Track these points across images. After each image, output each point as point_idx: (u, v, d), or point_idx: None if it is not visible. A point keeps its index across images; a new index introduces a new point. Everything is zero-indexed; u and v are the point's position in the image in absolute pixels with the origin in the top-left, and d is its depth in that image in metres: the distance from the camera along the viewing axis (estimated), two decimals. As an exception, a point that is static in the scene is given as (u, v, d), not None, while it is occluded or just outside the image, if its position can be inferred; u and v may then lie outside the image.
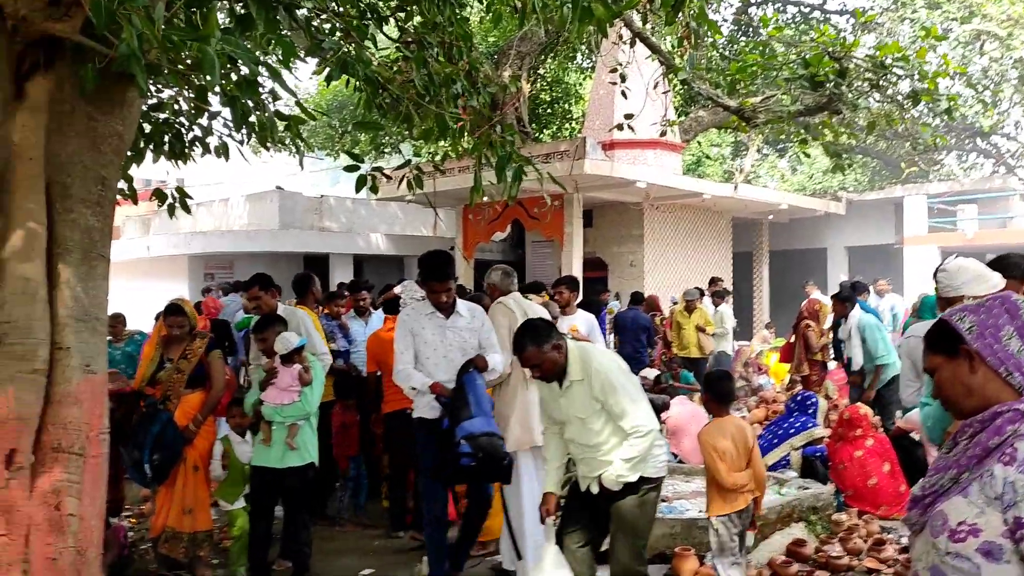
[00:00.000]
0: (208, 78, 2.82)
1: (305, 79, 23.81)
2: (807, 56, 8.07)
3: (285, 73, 3.42)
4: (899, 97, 7.95)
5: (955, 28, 15.08)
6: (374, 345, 6.32)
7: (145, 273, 17.50)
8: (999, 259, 3.33)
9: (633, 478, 3.74)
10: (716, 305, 11.58)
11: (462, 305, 4.88)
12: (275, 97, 4.72)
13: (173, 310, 5.24)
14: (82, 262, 3.23)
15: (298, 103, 3.95)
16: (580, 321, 7.05)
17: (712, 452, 4.46)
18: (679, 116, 17.34)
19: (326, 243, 17.34)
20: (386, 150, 21.00)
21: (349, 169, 4.60)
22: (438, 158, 9.84)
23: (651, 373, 9.47)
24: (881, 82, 7.61)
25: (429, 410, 4.71)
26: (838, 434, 6.37)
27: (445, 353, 4.72)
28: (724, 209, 17.95)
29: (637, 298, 11.31)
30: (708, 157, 24.84)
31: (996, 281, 3.32)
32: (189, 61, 3.05)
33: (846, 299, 8.26)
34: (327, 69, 4.10)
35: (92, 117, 3.32)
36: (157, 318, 8.07)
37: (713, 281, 12.69)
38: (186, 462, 5.02)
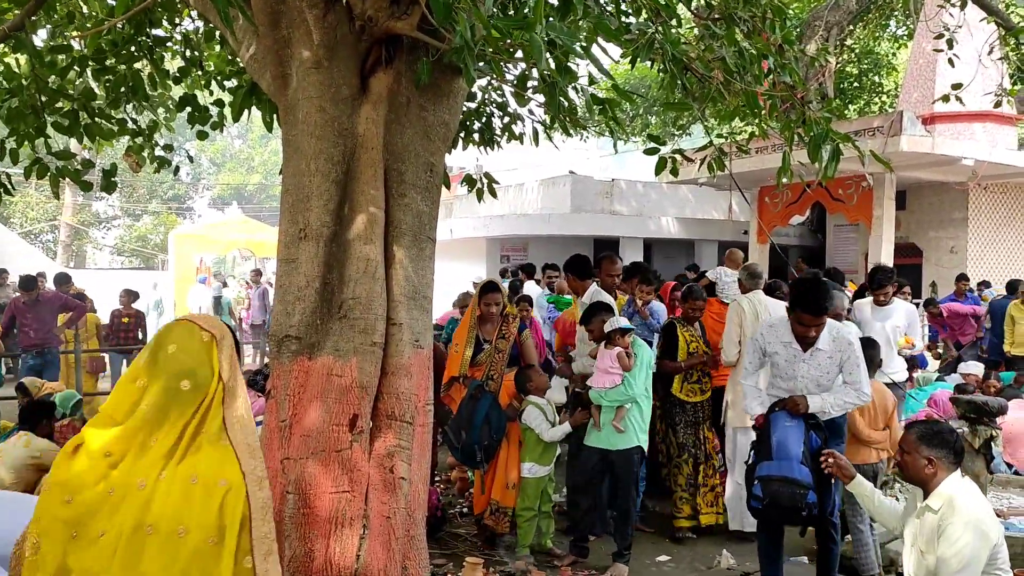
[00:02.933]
0: (534, 64, 2.88)
1: (608, 62, 24.10)
2: None
3: (601, 56, 3.42)
4: None
5: None
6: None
7: (447, 255, 18.79)
8: None
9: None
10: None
11: (825, 337, 4.38)
12: (591, 81, 4.77)
13: (490, 287, 5.46)
14: (413, 244, 3.47)
15: (615, 86, 3.95)
16: (900, 313, 6.46)
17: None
18: (1015, 84, 15.29)
19: (616, 226, 17.49)
20: (676, 132, 20.73)
21: (649, 152, 4.52)
22: (740, 138, 9.50)
23: (978, 367, 8.45)
24: None
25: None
26: None
27: (792, 387, 4.42)
28: (1071, 188, 15.60)
29: (1013, 286, 10.21)
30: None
31: None
32: (512, 49, 3.15)
33: None
34: (634, 51, 4.06)
35: (424, 108, 3.54)
36: (457, 301, 8.55)
37: None
38: (508, 439, 5.23)
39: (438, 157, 3.65)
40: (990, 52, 9.73)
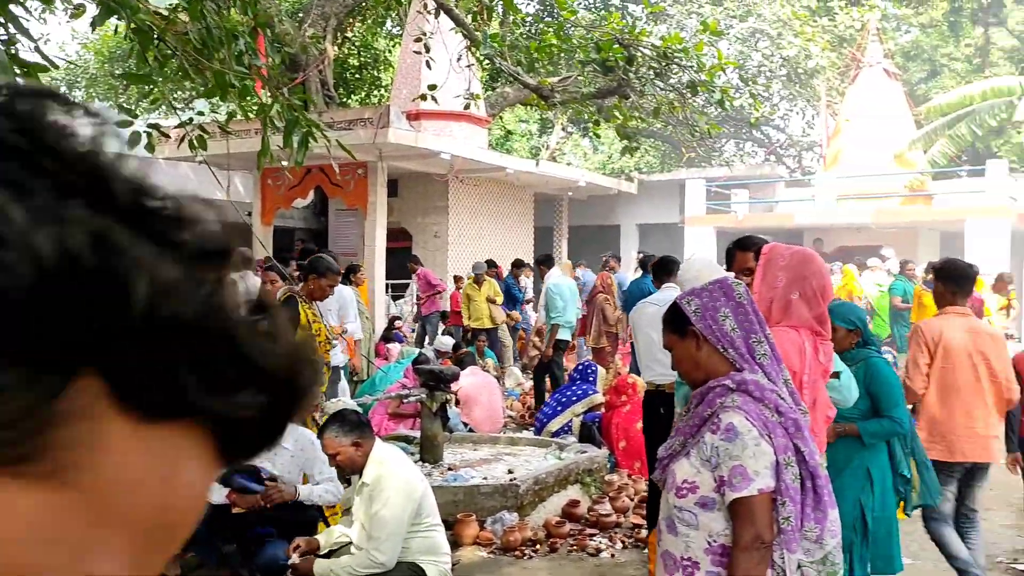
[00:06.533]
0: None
1: (83, 23, 21.91)
2: (600, 41, 8.42)
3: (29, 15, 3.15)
4: (680, 86, 8.48)
5: (735, 25, 16.26)
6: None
7: None
8: (742, 239, 3.69)
9: None
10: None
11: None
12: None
13: None
14: None
15: (37, 48, 3.62)
16: (332, 299, 6.69)
17: None
18: (485, 91, 17.56)
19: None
20: (177, 106, 19.77)
21: (122, 124, 4.31)
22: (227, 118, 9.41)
23: (448, 341, 9.62)
24: (664, 71, 8.08)
25: None
26: (609, 401, 6.79)
27: None
28: (526, 184, 18.42)
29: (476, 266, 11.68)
30: (508, 132, 25.36)
31: (721, 272, 3.77)
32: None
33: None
34: (92, 13, 3.82)
35: None
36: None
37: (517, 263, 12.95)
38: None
39: None
40: (459, 59, 11.06)
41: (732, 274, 3.45)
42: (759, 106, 12.39)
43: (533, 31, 15.06)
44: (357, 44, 21.42)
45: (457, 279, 12.86)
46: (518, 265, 10.29)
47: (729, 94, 8.63)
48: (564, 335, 9.01)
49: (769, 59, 16.66)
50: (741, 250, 3.57)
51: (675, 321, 2.11)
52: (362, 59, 22.05)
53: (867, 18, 18.82)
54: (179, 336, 0.32)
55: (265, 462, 4.42)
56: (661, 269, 5.54)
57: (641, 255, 10.82)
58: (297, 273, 8.16)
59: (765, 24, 15.18)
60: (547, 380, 8.67)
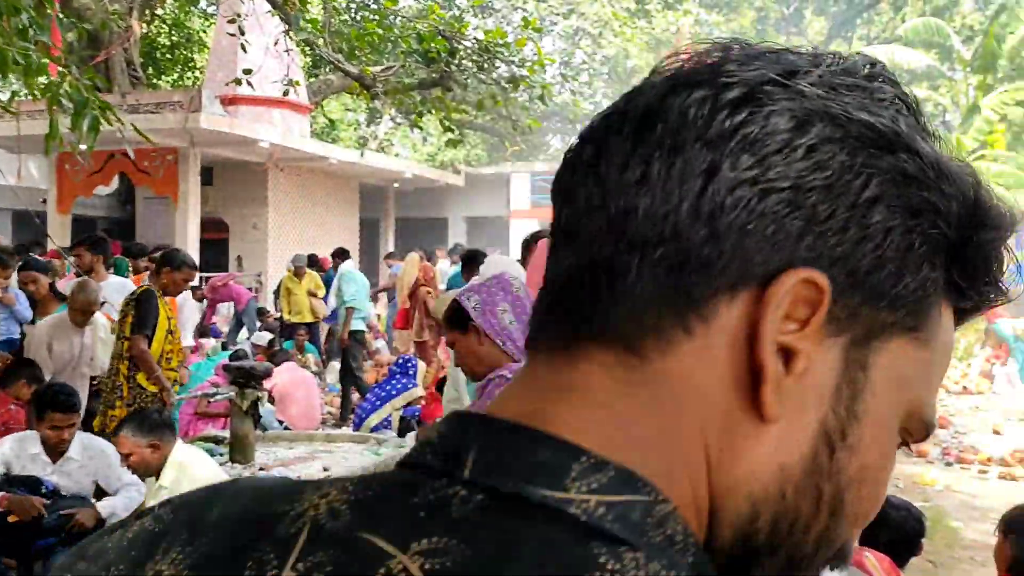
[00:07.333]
0: None
1: None
2: (422, 32, 8.37)
3: None
4: (502, 81, 8.57)
5: (559, 22, 16.67)
6: None
7: None
8: (538, 232, 3.77)
9: None
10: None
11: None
12: None
13: None
14: None
15: None
16: (112, 290, 6.34)
17: None
18: (308, 77, 17.06)
19: None
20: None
21: None
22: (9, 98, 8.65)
23: (265, 337, 9.26)
24: (485, 65, 8.14)
25: None
26: (430, 395, 6.77)
27: None
28: (351, 175, 18.06)
29: (301, 259, 11.24)
30: (331, 122, 24.82)
31: (519, 270, 3.84)
32: None
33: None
34: None
35: None
36: None
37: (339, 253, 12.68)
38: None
39: None
40: (276, 43, 10.64)
41: (521, 268, 3.51)
42: (578, 103, 12.78)
43: (357, 18, 14.77)
44: (168, 22, 20.20)
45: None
46: (340, 255, 10.13)
47: (550, 90, 8.81)
48: (359, 325, 8.94)
49: (592, 57, 17.19)
50: (537, 242, 3.63)
51: (456, 317, 2.13)
52: (174, 38, 20.83)
53: (682, 22, 19.81)
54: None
55: (52, 475, 4.08)
56: (469, 262, 5.57)
57: (460, 248, 10.89)
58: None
59: (587, 23, 15.65)
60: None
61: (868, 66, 0.46)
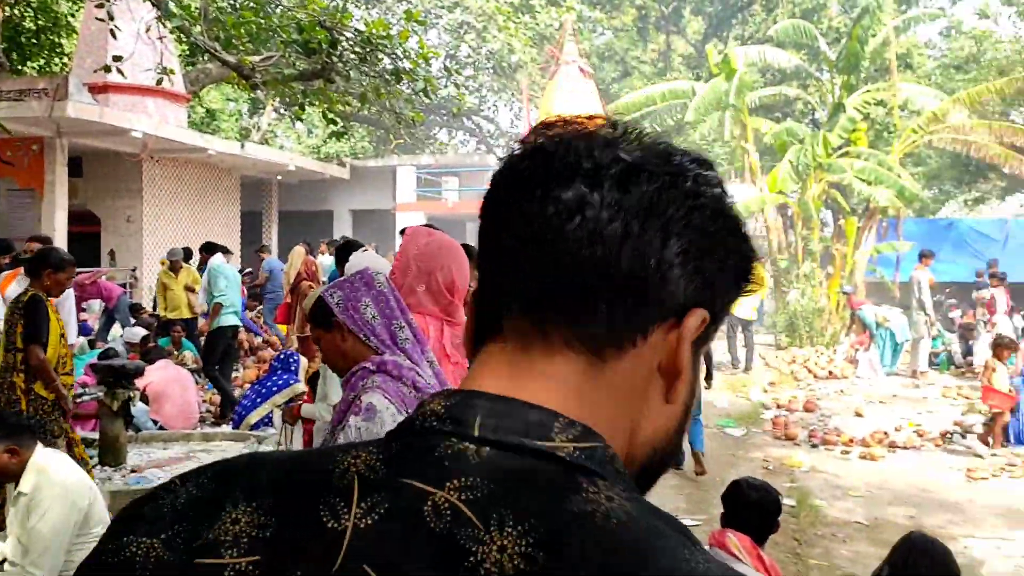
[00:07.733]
0: None
1: None
2: (302, 22, 8.20)
3: None
4: (385, 73, 8.50)
5: (444, 15, 16.65)
6: None
7: None
8: (415, 226, 3.80)
9: None
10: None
11: None
12: None
13: None
14: None
15: None
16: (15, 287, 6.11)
17: None
18: (185, 66, 16.44)
19: None
20: None
21: None
22: None
23: (138, 334, 8.92)
24: (368, 57, 8.05)
25: None
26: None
27: None
28: (232, 167, 17.53)
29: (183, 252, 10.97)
30: (210, 112, 24.03)
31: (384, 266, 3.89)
32: None
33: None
34: None
35: None
36: None
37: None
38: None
39: None
40: (148, 30, 10.22)
41: (386, 263, 3.53)
42: (462, 97, 12.83)
43: (235, 5, 14.33)
44: (34, 5, 19.07)
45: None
46: (208, 249, 9.93)
47: (433, 83, 8.80)
48: (231, 320, 8.80)
49: (476, 51, 17.25)
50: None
51: (320, 314, 2.13)
52: (40, 22, 19.67)
53: (565, 18, 20.10)
54: None
55: None
56: (343, 254, 5.49)
57: (343, 240, 10.76)
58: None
59: (471, 17, 15.68)
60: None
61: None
